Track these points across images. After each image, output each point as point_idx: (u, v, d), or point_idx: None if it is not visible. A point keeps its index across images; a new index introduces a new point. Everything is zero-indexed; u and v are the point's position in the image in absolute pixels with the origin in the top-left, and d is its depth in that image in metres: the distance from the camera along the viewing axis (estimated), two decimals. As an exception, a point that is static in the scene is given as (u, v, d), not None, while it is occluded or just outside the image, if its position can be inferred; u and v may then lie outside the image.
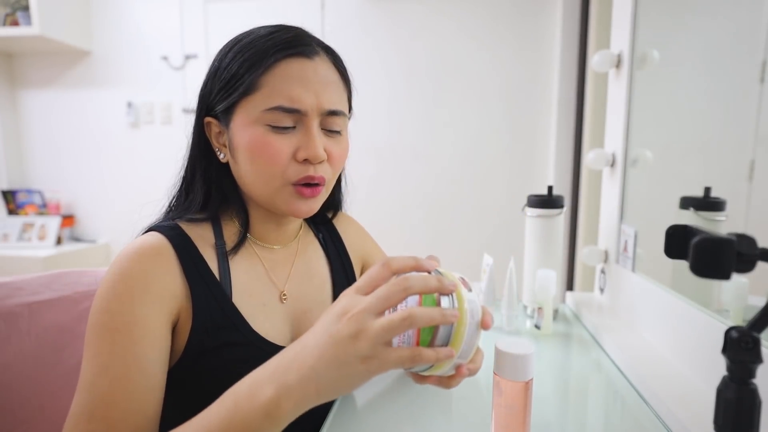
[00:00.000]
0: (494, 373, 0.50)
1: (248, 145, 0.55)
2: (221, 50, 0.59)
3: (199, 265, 0.56)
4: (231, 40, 0.59)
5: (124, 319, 0.50)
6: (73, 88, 2.32)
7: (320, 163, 0.57)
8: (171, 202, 0.64)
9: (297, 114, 0.55)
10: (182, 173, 0.63)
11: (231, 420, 0.42)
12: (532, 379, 0.49)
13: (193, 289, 0.55)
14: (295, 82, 0.54)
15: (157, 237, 0.56)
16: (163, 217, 0.63)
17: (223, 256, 0.59)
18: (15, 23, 2.08)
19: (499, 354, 0.49)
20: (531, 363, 0.49)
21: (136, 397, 0.48)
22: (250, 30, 0.59)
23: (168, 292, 0.53)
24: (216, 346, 0.55)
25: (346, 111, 0.61)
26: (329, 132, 0.59)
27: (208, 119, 0.59)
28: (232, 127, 0.57)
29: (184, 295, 0.55)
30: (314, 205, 0.60)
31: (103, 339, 0.49)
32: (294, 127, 0.56)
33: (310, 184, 0.58)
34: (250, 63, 0.54)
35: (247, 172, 0.57)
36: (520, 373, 0.48)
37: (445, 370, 0.44)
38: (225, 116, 0.57)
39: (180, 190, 0.63)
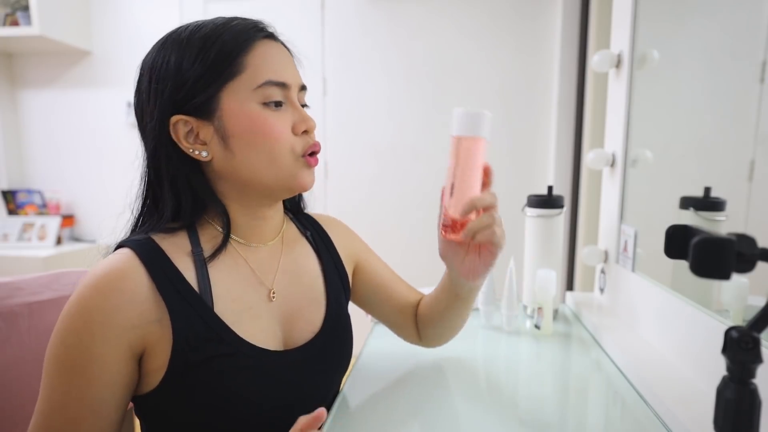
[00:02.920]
0: (452, 136, 0.58)
1: (247, 125, 0.55)
2: (171, 46, 0.56)
3: (174, 280, 0.54)
4: (175, 36, 0.56)
5: (80, 357, 0.50)
6: (73, 88, 2.32)
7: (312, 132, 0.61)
8: (138, 215, 0.61)
9: (283, 88, 0.57)
10: (144, 184, 0.60)
11: None
12: (485, 141, 0.58)
13: (170, 305, 0.53)
14: (274, 59, 0.57)
15: (125, 257, 0.53)
16: (134, 230, 0.61)
17: (201, 264, 0.57)
18: (15, 23, 2.08)
19: (458, 115, 0.57)
20: (486, 123, 0.57)
21: None
22: (195, 24, 0.57)
23: (132, 321, 0.51)
24: (202, 360, 0.53)
25: None
26: (303, 106, 0.62)
27: (176, 118, 0.55)
28: (223, 116, 0.55)
29: (154, 319, 0.52)
30: (314, 176, 0.62)
31: (59, 375, 0.50)
32: (281, 106, 0.57)
33: (313, 153, 0.60)
34: (230, 46, 0.54)
35: (249, 156, 0.56)
36: (476, 129, 0.57)
37: None
38: (206, 107, 0.55)
39: (145, 203, 0.61)
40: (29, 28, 2.03)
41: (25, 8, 2.06)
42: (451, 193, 0.59)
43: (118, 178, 2.32)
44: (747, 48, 0.76)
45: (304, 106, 0.62)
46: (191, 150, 0.56)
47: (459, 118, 0.58)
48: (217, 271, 0.58)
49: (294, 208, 0.74)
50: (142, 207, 0.61)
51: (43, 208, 2.35)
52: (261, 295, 0.62)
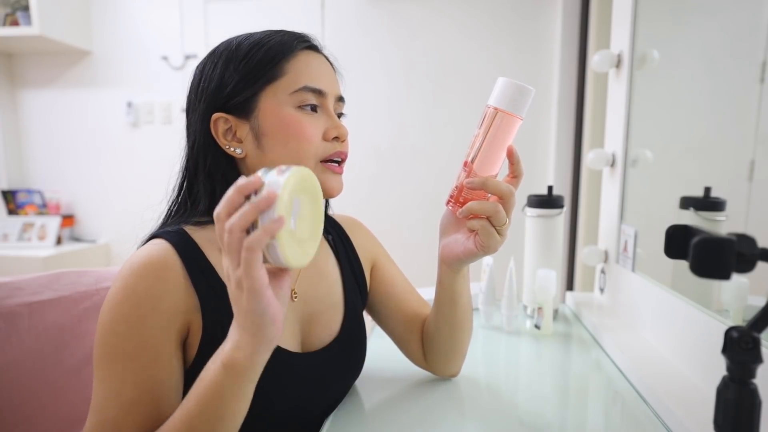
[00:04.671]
0: (489, 106, 0.56)
1: (281, 126, 0.58)
2: (222, 52, 0.60)
3: (207, 273, 0.55)
4: (226, 44, 0.60)
5: (133, 343, 0.50)
6: (73, 88, 2.32)
7: (344, 141, 0.62)
8: (171, 206, 0.63)
9: (320, 95, 0.60)
10: (182, 176, 0.62)
11: (201, 380, 0.46)
12: (521, 120, 0.56)
13: (202, 299, 0.54)
14: (314, 68, 0.60)
15: (162, 247, 0.54)
16: (166, 222, 0.62)
17: None
18: (15, 23, 2.08)
19: (503, 84, 0.54)
20: (529, 101, 0.55)
21: (145, 420, 0.49)
22: (246, 35, 0.61)
23: (176, 308, 0.52)
24: None
25: None
26: (339, 116, 0.64)
27: (217, 115, 0.58)
28: (259, 115, 0.58)
29: (192, 308, 0.54)
30: (342, 183, 0.63)
31: (113, 363, 0.50)
32: (317, 111, 0.60)
33: (337, 162, 0.62)
34: (274, 52, 0.58)
35: (277, 155, 0.58)
36: (519, 106, 0.54)
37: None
38: (246, 106, 0.58)
39: (181, 194, 0.62)
40: (29, 28, 2.03)
41: (25, 8, 2.06)
42: (470, 164, 0.57)
43: (117, 178, 2.32)
44: (747, 48, 0.76)
45: (340, 115, 0.64)
46: (227, 146, 0.59)
47: (504, 89, 0.54)
48: None
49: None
50: (177, 199, 0.63)
51: (43, 208, 2.35)
52: None
